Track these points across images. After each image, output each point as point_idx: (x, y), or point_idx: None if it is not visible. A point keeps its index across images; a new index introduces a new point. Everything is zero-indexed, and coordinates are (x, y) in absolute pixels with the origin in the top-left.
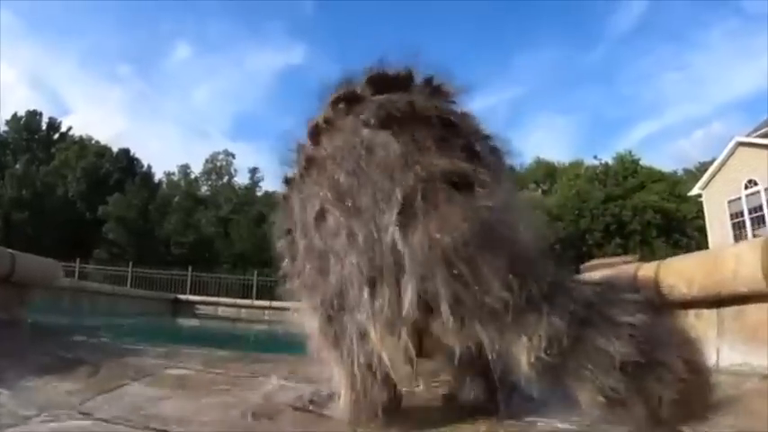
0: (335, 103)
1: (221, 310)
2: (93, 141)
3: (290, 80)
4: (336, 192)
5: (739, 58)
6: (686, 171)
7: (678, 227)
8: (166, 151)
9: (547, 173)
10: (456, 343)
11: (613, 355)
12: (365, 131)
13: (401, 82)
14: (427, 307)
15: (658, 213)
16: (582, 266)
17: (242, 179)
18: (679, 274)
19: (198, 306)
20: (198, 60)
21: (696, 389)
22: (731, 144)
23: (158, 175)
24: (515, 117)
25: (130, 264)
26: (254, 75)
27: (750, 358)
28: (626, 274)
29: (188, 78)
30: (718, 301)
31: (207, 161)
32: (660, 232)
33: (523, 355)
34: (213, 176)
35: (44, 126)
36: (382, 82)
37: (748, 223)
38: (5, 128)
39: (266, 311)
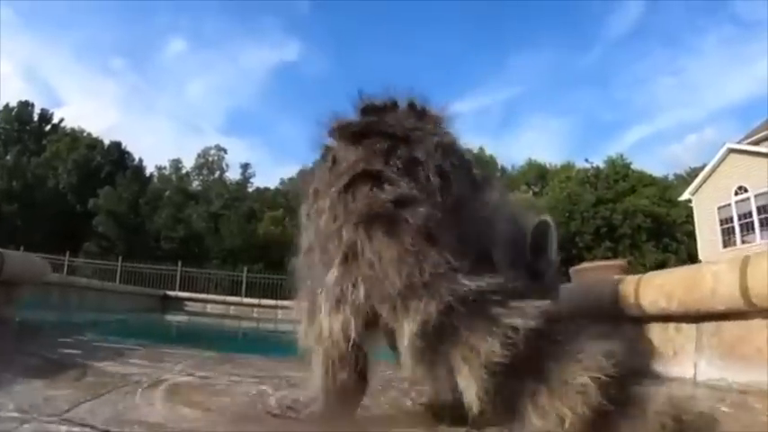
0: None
1: (210, 308)
2: (84, 134)
3: (284, 76)
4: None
5: (733, 65)
6: (677, 176)
7: (668, 231)
8: (158, 145)
9: (538, 174)
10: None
11: (483, 353)
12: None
13: (387, 109)
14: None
15: (648, 217)
16: (570, 270)
17: (234, 175)
18: (659, 288)
19: (187, 303)
20: (192, 55)
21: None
22: (722, 150)
23: (150, 168)
24: (509, 118)
25: (120, 258)
26: (249, 70)
27: (727, 374)
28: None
29: (182, 73)
30: (697, 317)
31: (199, 156)
32: (650, 236)
33: (403, 338)
34: (205, 171)
35: (36, 117)
36: (372, 110)
37: (737, 229)
38: None
39: (255, 309)
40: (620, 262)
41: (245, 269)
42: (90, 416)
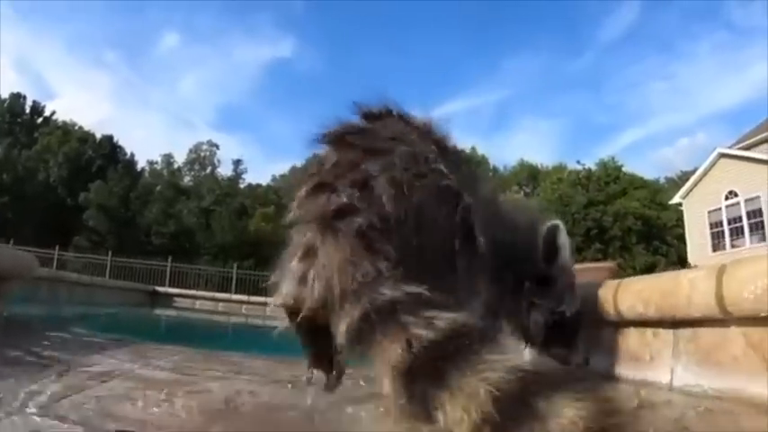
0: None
1: (199, 304)
2: (76, 127)
3: (277, 73)
4: None
5: (726, 71)
6: (668, 179)
7: (658, 234)
8: (150, 139)
9: (530, 175)
10: None
11: (392, 356)
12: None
13: (381, 116)
14: None
15: (639, 220)
16: None
17: (225, 170)
18: (637, 294)
19: (176, 299)
20: (185, 50)
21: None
22: (713, 155)
23: (141, 163)
24: (501, 119)
25: (110, 253)
26: (242, 66)
27: (702, 380)
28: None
29: (175, 68)
30: (673, 323)
31: (191, 151)
32: (640, 239)
33: (337, 335)
34: (196, 167)
35: (28, 110)
36: (369, 117)
37: (727, 233)
38: None
39: (244, 306)
40: (609, 264)
41: (236, 266)
42: (73, 410)
